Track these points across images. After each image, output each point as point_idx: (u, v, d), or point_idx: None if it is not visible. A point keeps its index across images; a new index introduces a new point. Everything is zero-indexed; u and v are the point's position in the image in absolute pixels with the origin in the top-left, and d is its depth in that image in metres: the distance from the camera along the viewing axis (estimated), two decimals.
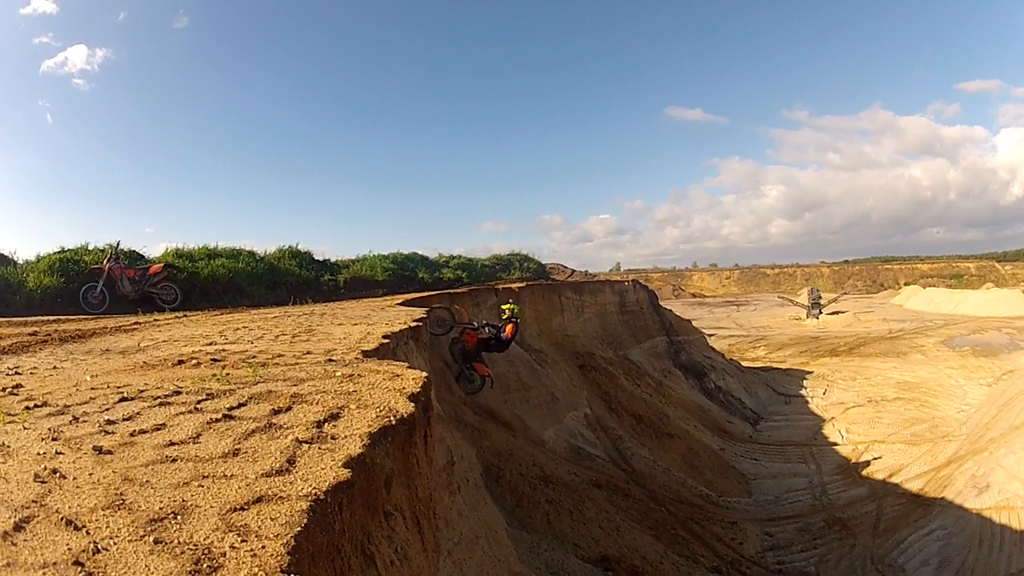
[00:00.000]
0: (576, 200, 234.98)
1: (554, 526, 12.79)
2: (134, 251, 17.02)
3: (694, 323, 38.61)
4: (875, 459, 21.74)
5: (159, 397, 3.31)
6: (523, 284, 23.12)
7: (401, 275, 21.28)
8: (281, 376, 3.74)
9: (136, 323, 9.26)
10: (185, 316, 10.74)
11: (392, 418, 2.91)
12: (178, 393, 3.40)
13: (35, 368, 4.56)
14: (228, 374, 3.83)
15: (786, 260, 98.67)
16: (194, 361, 4.38)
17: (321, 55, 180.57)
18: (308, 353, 4.79)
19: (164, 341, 6.32)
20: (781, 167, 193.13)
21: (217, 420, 2.93)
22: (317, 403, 3.14)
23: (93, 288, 14.12)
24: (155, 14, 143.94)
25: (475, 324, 14.11)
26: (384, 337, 5.79)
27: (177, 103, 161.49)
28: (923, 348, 36.51)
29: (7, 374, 4.33)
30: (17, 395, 3.53)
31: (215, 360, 4.38)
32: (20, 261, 15.78)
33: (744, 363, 36.08)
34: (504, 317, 14.18)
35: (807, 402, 29.90)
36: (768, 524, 18.34)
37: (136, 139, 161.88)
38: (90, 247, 16.65)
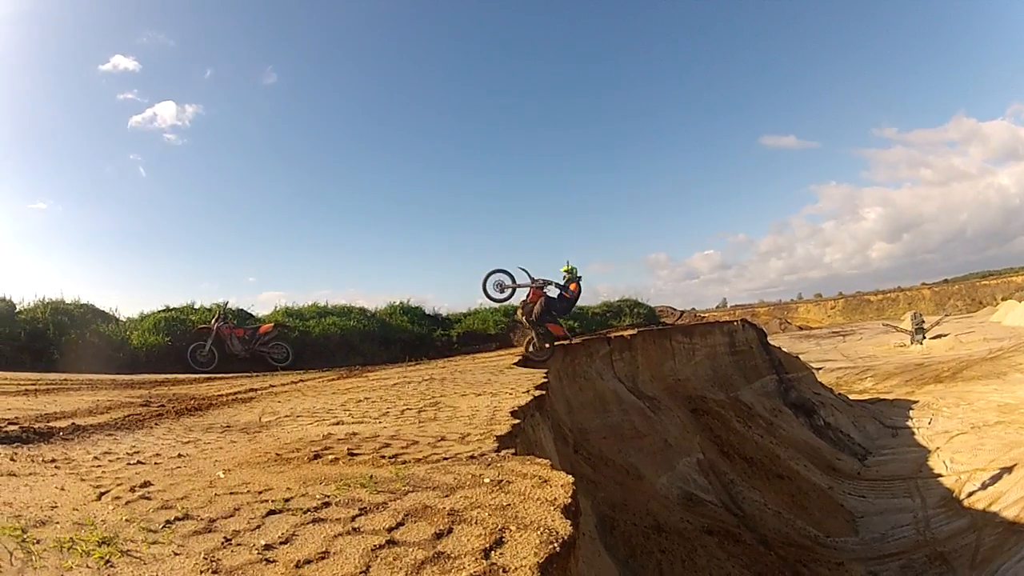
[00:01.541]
0: (680, 237, 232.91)
1: (664, 574, 12.33)
2: (242, 310, 17.27)
3: (802, 357, 37.60)
4: (977, 488, 20.38)
5: (309, 510, 2.98)
6: (635, 331, 22.48)
7: (514, 326, 21.09)
8: (428, 481, 3.36)
9: (251, 390, 9.17)
10: (301, 381, 10.62)
11: (556, 544, 2.61)
12: (327, 505, 3.04)
13: (158, 455, 4.31)
14: (372, 477, 3.49)
15: (888, 284, 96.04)
16: (330, 455, 4.03)
17: (413, 103, 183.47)
18: (442, 440, 4.43)
19: (286, 416, 6.10)
20: (876, 188, 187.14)
21: (381, 547, 2.59)
22: (476, 523, 2.79)
23: (201, 347, 14.31)
24: (243, 71, 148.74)
25: (538, 281, 13.87)
26: (513, 414, 5.44)
27: (271, 155, 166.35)
28: (1022, 366, 34.85)
29: (129, 463, 4.09)
30: (150, 499, 3.23)
31: (352, 454, 4.02)
32: (123, 318, 16.13)
33: (852, 396, 34.73)
34: (566, 279, 13.89)
35: (913, 433, 28.47)
36: (873, 563, 17.28)
37: (232, 190, 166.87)
38: (196, 306, 16.95)
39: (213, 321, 14.82)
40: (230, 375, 12.90)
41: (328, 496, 3.19)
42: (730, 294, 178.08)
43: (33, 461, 4.08)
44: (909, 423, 29.86)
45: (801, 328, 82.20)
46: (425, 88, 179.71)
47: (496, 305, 17.75)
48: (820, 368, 40.34)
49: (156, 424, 5.75)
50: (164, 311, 16.29)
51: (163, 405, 6.98)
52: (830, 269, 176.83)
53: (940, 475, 22.68)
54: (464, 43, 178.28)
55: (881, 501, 21.74)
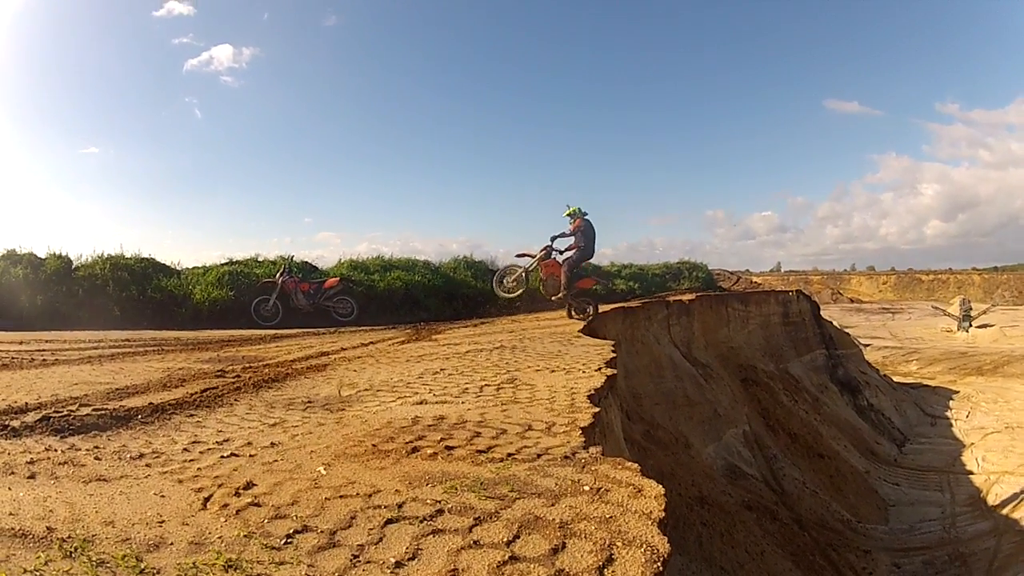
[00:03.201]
0: (739, 195, 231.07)
1: (705, 549, 12.26)
2: (306, 263, 17.33)
3: (851, 331, 37.46)
4: (1004, 491, 20.26)
5: (425, 519, 2.94)
6: (693, 296, 22.52)
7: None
8: (531, 486, 3.31)
9: (322, 353, 9.16)
10: (372, 343, 10.61)
11: (659, 563, 2.62)
12: (441, 512, 3.01)
13: (249, 444, 4.26)
14: (479, 481, 3.46)
15: (940, 264, 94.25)
16: (427, 448, 3.96)
17: (475, 48, 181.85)
18: (529, 429, 4.39)
19: (365, 390, 6.06)
20: (936, 164, 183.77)
21: (504, 563, 2.57)
22: (586, 537, 2.78)
23: (266, 301, 14.35)
24: (302, 13, 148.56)
25: (542, 251, 13.66)
26: (590, 399, 5.38)
27: (330, 97, 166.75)
28: None
29: (222, 455, 4.03)
30: (260, 505, 3.16)
31: (448, 448, 3.99)
32: (183, 269, 16.18)
33: (896, 378, 34.43)
34: (572, 222, 13.55)
35: (951, 425, 28.36)
36: (898, 555, 17.45)
37: (290, 132, 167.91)
38: (259, 259, 16.98)
39: (278, 275, 14.96)
40: (295, 331, 12.96)
41: (439, 502, 3.14)
42: (785, 258, 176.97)
43: (120, 458, 4.03)
44: (948, 413, 29.75)
45: (852, 301, 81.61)
46: (488, 34, 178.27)
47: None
48: (868, 345, 40.04)
49: (236, 400, 5.71)
50: (227, 264, 16.44)
51: (239, 376, 6.97)
52: (885, 242, 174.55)
53: (971, 472, 22.69)
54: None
55: (913, 492, 21.81)
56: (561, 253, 13.66)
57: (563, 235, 13.58)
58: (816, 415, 23.90)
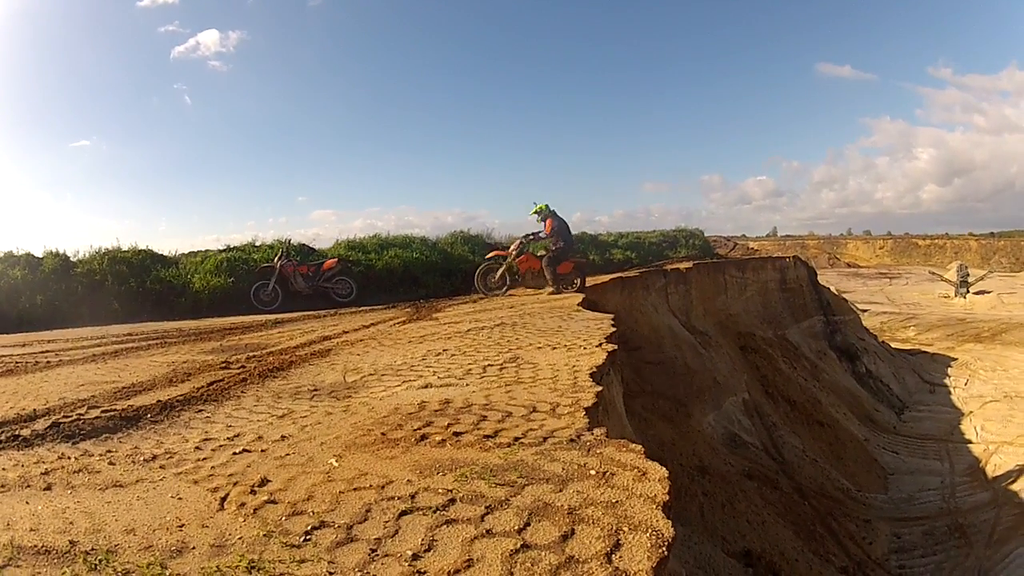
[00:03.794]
0: (735, 160, 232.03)
1: (707, 519, 12.43)
2: (303, 245, 17.37)
3: (849, 296, 37.94)
4: (1004, 462, 20.70)
5: (437, 509, 3.03)
6: (691, 264, 22.79)
7: None
8: (538, 471, 3.40)
9: (324, 338, 9.20)
10: (373, 325, 10.64)
11: (664, 548, 2.70)
12: (453, 502, 3.09)
13: (259, 438, 4.30)
14: (488, 467, 3.51)
15: (937, 229, 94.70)
16: (435, 435, 4.05)
17: (469, 25, 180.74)
18: (534, 411, 4.47)
19: (370, 375, 6.14)
20: (931, 128, 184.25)
21: (517, 551, 2.64)
22: (593, 523, 2.87)
23: (265, 286, 14.38)
24: None
25: (523, 244, 14.44)
26: (592, 377, 5.44)
27: (319, 75, 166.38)
28: None
29: (234, 451, 4.08)
30: (276, 502, 3.22)
31: (456, 434, 4.06)
32: (181, 257, 16.19)
33: (894, 344, 34.79)
34: (543, 222, 14.21)
35: (950, 393, 28.77)
36: (898, 524, 17.86)
37: (280, 112, 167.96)
38: (257, 243, 17.01)
39: (276, 259, 14.98)
40: (296, 315, 12.99)
41: (451, 491, 3.22)
42: (781, 223, 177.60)
43: (134, 462, 4.04)
44: (947, 381, 30.16)
45: (849, 265, 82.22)
46: (485, 3, 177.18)
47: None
48: (865, 311, 40.38)
49: (243, 392, 5.75)
50: (225, 251, 16.43)
51: (244, 366, 7.01)
52: (881, 206, 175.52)
53: (970, 442, 23.21)
54: None
55: (913, 460, 22.31)
56: (538, 251, 14.29)
57: (538, 237, 14.33)
58: (815, 382, 24.11)
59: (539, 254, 14.25)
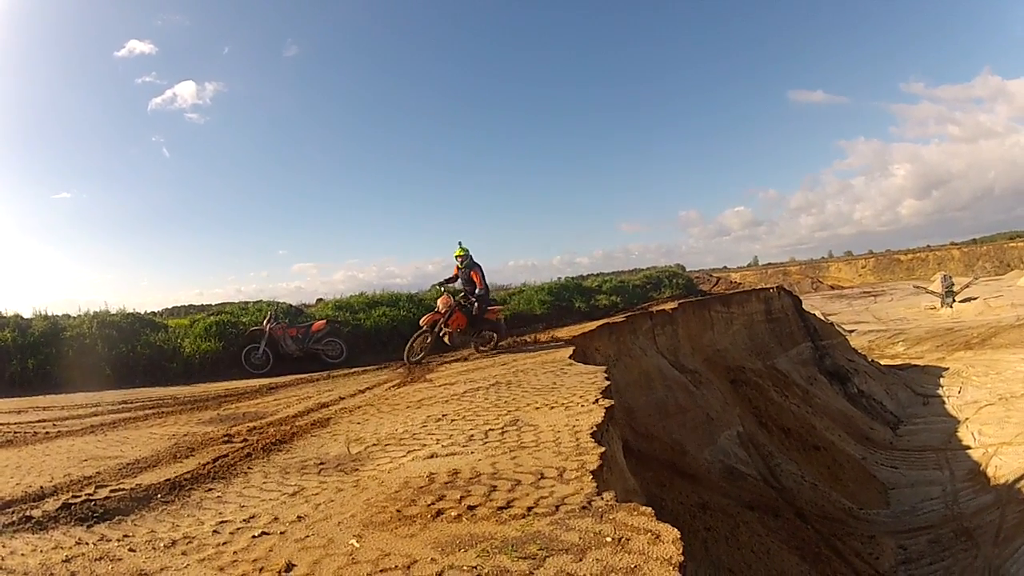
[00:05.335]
0: (711, 194, 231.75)
1: (711, 553, 12.48)
2: (291, 306, 17.42)
3: (835, 318, 38.36)
4: (1004, 463, 20.90)
5: None
6: (676, 304, 22.96)
7: (558, 306, 21.31)
8: (556, 542, 3.47)
9: (322, 405, 9.20)
10: (368, 389, 10.63)
11: None
12: None
13: (276, 519, 4.30)
14: (507, 541, 3.56)
15: (918, 242, 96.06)
16: (450, 510, 4.08)
17: (441, 70, 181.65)
18: (542, 477, 4.54)
19: (373, 445, 6.17)
20: (906, 144, 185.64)
21: None
22: None
23: (255, 349, 14.38)
24: (262, 45, 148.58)
25: (446, 307, 13.51)
26: (593, 436, 5.56)
27: (296, 127, 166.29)
28: None
29: (253, 535, 4.05)
30: None
31: (470, 508, 4.08)
32: (168, 320, 16.22)
33: (884, 361, 35.10)
34: (465, 263, 13.67)
35: (944, 402, 29.08)
36: (903, 536, 18.03)
37: (259, 164, 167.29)
38: (246, 305, 17.03)
39: (265, 322, 14.98)
40: (288, 378, 12.94)
41: (476, 567, 3.27)
42: (761, 251, 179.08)
43: (154, 548, 3.99)
44: (939, 391, 30.39)
45: (833, 288, 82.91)
46: (453, 48, 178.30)
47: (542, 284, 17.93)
48: (852, 331, 40.81)
49: (250, 468, 5.76)
50: (214, 314, 16.45)
51: (246, 439, 7.01)
52: (860, 226, 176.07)
53: (968, 447, 23.41)
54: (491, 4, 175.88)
55: (912, 473, 22.49)
56: (468, 304, 13.64)
57: (470, 291, 13.65)
58: (808, 408, 24.23)
59: (475, 303, 13.59)
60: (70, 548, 4.04)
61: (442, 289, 13.92)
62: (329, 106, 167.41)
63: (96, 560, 3.84)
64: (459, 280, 13.79)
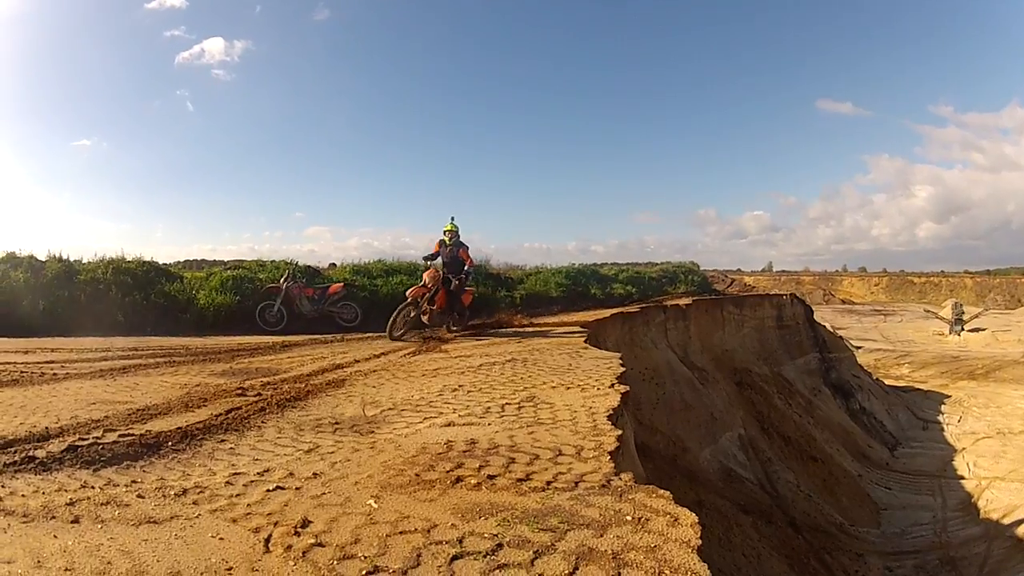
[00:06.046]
0: (730, 194, 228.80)
1: (703, 553, 12.38)
2: (309, 267, 17.41)
3: (843, 333, 38.35)
4: (996, 497, 20.85)
5: (487, 553, 3.05)
6: (690, 300, 22.98)
7: (574, 291, 21.29)
8: (577, 516, 3.47)
9: (337, 366, 9.16)
10: (383, 354, 10.62)
11: None
12: (500, 546, 3.12)
13: (291, 475, 4.24)
14: (528, 512, 3.53)
15: (932, 266, 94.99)
16: (470, 477, 4.07)
17: (464, 48, 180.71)
18: (560, 454, 4.52)
19: (389, 409, 6.14)
20: (929, 166, 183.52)
21: None
22: (637, 567, 2.97)
23: (271, 307, 14.39)
24: (293, 6, 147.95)
25: (433, 281, 12.97)
26: (609, 419, 5.57)
27: (322, 90, 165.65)
28: None
29: (268, 488, 3.98)
30: (323, 545, 3.16)
31: (490, 477, 4.06)
32: (183, 272, 16.18)
33: (888, 381, 34.93)
34: (452, 240, 13.39)
35: (943, 429, 28.94)
36: (890, 558, 18.06)
37: (282, 125, 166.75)
38: (263, 262, 17.02)
39: (282, 280, 15.01)
40: (302, 338, 12.90)
41: (496, 535, 3.25)
42: (776, 258, 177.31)
43: (164, 496, 3.89)
44: (940, 418, 30.32)
45: (844, 302, 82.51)
46: (479, 26, 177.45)
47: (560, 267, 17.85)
48: (860, 348, 40.58)
49: (263, 423, 5.70)
50: (230, 268, 16.45)
51: (260, 394, 6.96)
52: (877, 243, 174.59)
53: (962, 477, 23.34)
54: None
55: (905, 495, 22.50)
56: (456, 280, 13.32)
57: (458, 269, 13.38)
58: (809, 418, 24.22)
59: (461, 278, 13.35)
60: (75, 491, 3.95)
61: (428, 264, 13.64)
62: (354, 73, 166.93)
63: (102, 504, 3.75)
64: (440, 257, 13.53)
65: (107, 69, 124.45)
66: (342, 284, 15.59)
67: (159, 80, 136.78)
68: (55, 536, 3.28)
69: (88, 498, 3.82)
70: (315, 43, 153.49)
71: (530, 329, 13.92)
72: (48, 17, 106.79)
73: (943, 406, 31.64)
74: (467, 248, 13.46)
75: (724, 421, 18.62)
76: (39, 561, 2.98)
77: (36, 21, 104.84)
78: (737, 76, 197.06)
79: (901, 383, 36.05)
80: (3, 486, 4.00)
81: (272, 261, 17.49)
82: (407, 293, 13.29)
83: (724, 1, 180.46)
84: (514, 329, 14.06)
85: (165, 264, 16.93)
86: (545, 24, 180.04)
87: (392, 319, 12.57)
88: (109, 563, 2.98)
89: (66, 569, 2.91)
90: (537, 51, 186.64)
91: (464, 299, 13.58)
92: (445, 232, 13.41)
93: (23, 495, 3.85)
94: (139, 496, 3.87)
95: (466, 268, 13.38)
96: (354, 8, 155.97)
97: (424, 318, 13.05)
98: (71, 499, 3.79)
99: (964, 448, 25.83)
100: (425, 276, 13.18)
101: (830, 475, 21.77)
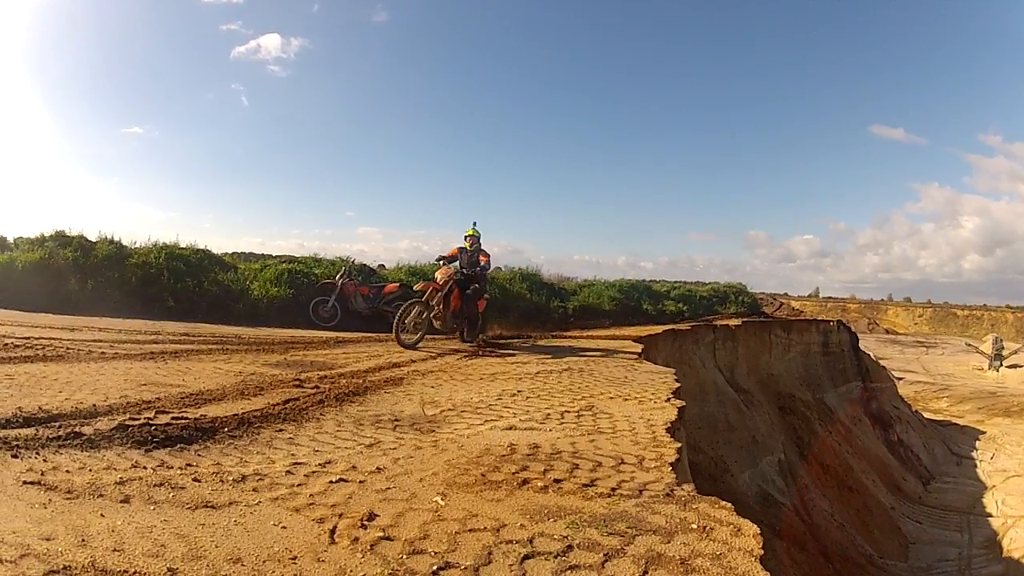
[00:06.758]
0: (781, 217, 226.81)
1: None
2: (364, 265, 17.48)
3: (885, 363, 37.90)
4: (1020, 536, 20.52)
5: (558, 554, 3.04)
6: (740, 321, 22.83)
7: (626, 305, 21.12)
8: (644, 523, 3.47)
9: (394, 364, 9.20)
10: (440, 356, 10.65)
11: None
12: (570, 548, 3.12)
13: (354, 468, 4.18)
14: (596, 516, 3.53)
15: (976, 299, 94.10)
16: (536, 480, 4.07)
17: (526, 53, 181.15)
18: (622, 463, 4.52)
19: (449, 410, 6.14)
20: (977, 196, 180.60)
21: None
22: (703, 572, 2.98)
23: (325, 302, 14.52)
24: (351, 7, 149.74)
25: (450, 277, 12.13)
26: (668, 431, 5.60)
27: (377, 91, 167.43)
28: None
29: (330, 480, 3.92)
30: (391, 539, 3.12)
31: (556, 481, 4.05)
32: (236, 262, 16.33)
33: (926, 414, 34.58)
34: (473, 247, 12.62)
35: (975, 465, 28.64)
36: None
37: (336, 125, 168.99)
38: (319, 258, 17.16)
39: (338, 277, 15.17)
40: (356, 335, 12.99)
41: (566, 537, 3.25)
42: (824, 283, 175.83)
43: (222, 481, 3.80)
44: (974, 454, 30.04)
45: (888, 331, 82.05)
46: (545, 32, 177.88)
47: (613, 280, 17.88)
48: (901, 379, 40.22)
49: (322, 415, 5.69)
50: (287, 263, 16.57)
51: (317, 387, 6.95)
52: (923, 273, 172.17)
53: (990, 515, 23.05)
54: None
55: (934, 530, 22.33)
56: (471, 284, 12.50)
57: (479, 267, 12.61)
58: (848, 447, 23.97)
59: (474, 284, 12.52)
60: (125, 470, 3.84)
61: (442, 264, 12.72)
62: (410, 76, 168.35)
63: (155, 486, 3.63)
64: (458, 262, 12.66)
65: (162, 59, 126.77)
66: (399, 284, 15.58)
67: (214, 72, 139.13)
68: (102, 515, 3.14)
69: (140, 478, 3.72)
70: (372, 44, 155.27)
71: (585, 341, 13.74)
72: (105, 4, 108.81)
73: (978, 442, 31.37)
74: (488, 256, 12.74)
75: (765, 445, 18.45)
76: (83, 539, 2.83)
77: (94, 8, 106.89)
78: (796, 97, 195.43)
79: (939, 416, 35.76)
80: (45, 460, 3.89)
81: (327, 258, 17.60)
82: (415, 287, 13.17)
83: (786, 21, 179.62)
84: (569, 340, 13.89)
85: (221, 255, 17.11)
86: (615, 36, 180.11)
87: (398, 320, 11.44)
88: (163, 546, 2.86)
89: (114, 549, 2.76)
90: (607, 62, 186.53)
91: (479, 305, 12.84)
92: (466, 237, 12.76)
93: (67, 471, 3.74)
94: (195, 480, 3.79)
95: (481, 264, 12.58)
96: (412, 10, 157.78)
97: (436, 323, 12.22)
98: (121, 478, 3.68)
99: (994, 485, 25.52)
100: (438, 274, 12.40)
101: (864, 506, 21.54)
